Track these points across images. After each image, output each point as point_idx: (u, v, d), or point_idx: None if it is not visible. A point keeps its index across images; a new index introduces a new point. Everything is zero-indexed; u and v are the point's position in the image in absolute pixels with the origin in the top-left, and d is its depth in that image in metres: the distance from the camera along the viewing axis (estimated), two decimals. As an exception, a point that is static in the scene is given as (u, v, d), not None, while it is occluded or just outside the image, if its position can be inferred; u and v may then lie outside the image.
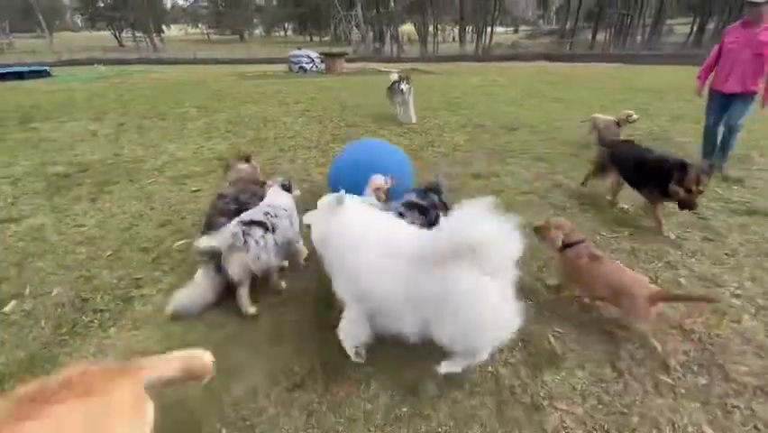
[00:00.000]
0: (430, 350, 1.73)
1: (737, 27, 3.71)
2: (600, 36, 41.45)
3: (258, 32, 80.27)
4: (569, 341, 1.81)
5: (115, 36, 55.47)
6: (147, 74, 17.45)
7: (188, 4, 70.92)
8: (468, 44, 40.07)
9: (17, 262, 2.49)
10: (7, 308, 2.06)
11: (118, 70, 20.22)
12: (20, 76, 15.90)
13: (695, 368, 1.66)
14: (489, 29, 38.77)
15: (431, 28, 43.48)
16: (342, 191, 1.65)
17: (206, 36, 73.18)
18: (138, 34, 53.71)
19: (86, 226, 2.95)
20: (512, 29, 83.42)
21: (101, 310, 2.05)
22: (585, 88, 10.83)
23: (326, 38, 66.25)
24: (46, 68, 17.74)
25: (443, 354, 1.67)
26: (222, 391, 1.57)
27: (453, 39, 43.34)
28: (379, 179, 2.39)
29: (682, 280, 2.25)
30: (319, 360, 1.72)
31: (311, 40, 68.36)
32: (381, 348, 1.76)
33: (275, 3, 71.10)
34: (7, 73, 15.69)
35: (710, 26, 36.54)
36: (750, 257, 2.48)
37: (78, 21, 70.37)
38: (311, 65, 18.55)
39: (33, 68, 17.49)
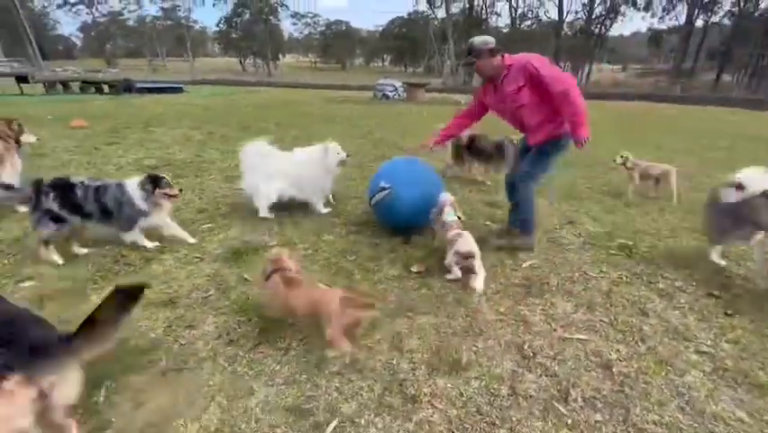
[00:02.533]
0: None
1: (485, 89, 2.89)
2: (728, 77, 36.68)
3: (358, 61, 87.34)
4: (480, 356, 1.87)
5: (240, 62, 65.02)
6: (254, 94, 20.26)
7: (303, 36, 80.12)
8: (563, 80, 38.55)
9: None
10: (74, 249, 2.78)
11: (234, 90, 23.89)
12: (162, 90, 19.73)
13: (599, 405, 1.61)
14: (586, 66, 36.89)
15: (523, 63, 42.95)
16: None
17: (313, 64, 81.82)
18: (258, 61, 62.36)
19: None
20: (619, 66, 77.95)
21: (130, 264, 2.67)
22: (673, 132, 9.83)
23: (419, 69, 69.39)
24: (181, 85, 21.75)
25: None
26: (177, 332, 1.99)
27: (547, 74, 42.01)
28: (446, 196, 2.77)
29: (646, 328, 2.11)
30: (260, 325, 2.05)
31: (405, 70, 72.15)
32: (306, 333, 2.04)
33: (377, 35, 76.92)
34: (154, 88, 19.62)
35: None
36: (754, 322, 2.20)
37: (216, 48, 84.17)
38: (394, 93, 19.71)
39: (172, 85, 21.60)
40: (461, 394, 1.66)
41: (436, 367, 1.79)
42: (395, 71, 69.86)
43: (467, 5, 40.96)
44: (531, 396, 1.65)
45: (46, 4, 59.75)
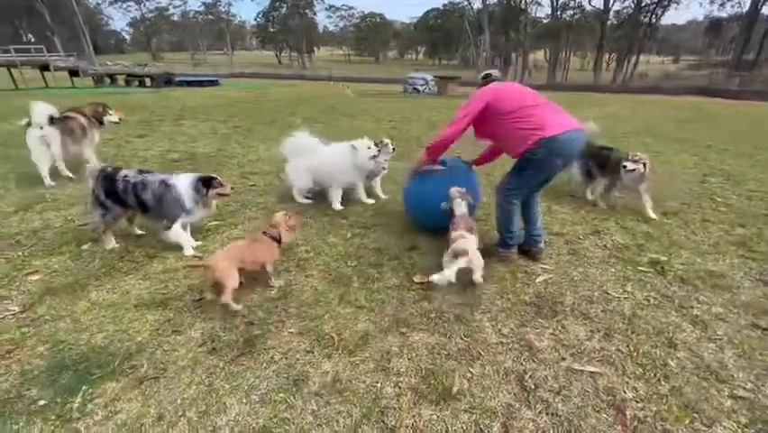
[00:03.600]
0: (330, 352, 1.85)
1: None
2: (796, 70, 33.15)
3: (392, 54, 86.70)
4: (475, 384, 1.69)
5: (276, 55, 66.31)
6: (287, 87, 20.55)
7: (338, 29, 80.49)
8: (607, 73, 36.31)
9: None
10: (85, 246, 2.85)
11: (268, 83, 24.36)
12: (200, 83, 20.43)
13: (604, 456, 1.40)
14: (633, 57, 34.48)
15: (563, 54, 40.79)
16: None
17: (347, 57, 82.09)
18: (293, 54, 63.35)
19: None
20: (671, 58, 72.66)
21: (133, 261, 2.69)
22: (723, 131, 8.95)
23: (454, 61, 67.83)
24: (217, 79, 22.44)
25: (327, 354, 1.78)
26: (163, 336, 1.95)
27: (593, 67, 39.64)
28: (456, 189, 2.70)
29: (672, 363, 1.84)
30: (245, 335, 1.97)
31: (440, 63, 70.83)
32: (291, 344, 1.94)
33: (412, 27, 75.92)
34: (192, 81, 20.35)
35: None
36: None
37: (254, 42, 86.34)
38: (424, 87, 19.37)
39: (209, 78, 22.32)
40: (447, 430, 1.50)
41: (423, 394, 1.64)
42: (428, 64, 68.79)
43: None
44: (520, 431, 1.47)
45: (100, 1, 63.53)
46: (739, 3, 34.20)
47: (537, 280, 2.52)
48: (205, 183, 2.73)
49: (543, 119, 2.39)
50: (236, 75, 33.07)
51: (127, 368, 1.76)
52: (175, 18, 69.22)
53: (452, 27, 58.35)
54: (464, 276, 2.23)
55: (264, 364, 1.80)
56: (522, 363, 1.83)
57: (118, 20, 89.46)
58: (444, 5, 61.87)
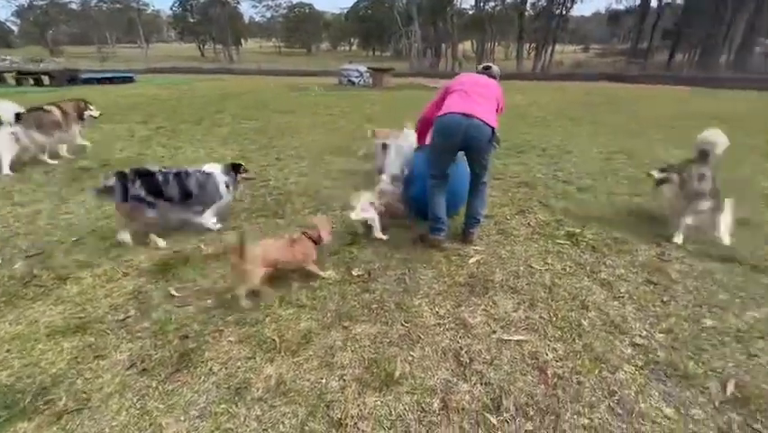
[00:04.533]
0: (273, 356, 1.83)
1: None
2: (680, 57, 38.08)
3: (324, 45, 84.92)
4: (415, 366, 1.79)
5: (199, 48, 61.72)
6: (212, 82, 19.27)
7: (265, 20, 76.90)
8: (527, 62, 38.95)
9: (5, 237, 2.98)
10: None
11: (191, 78, 22.64)
12: (110, 80, 18.39)
13: (531, 412, 1.56)
14: (549, 47, 37.36)
15: (488, 45, 43.02)
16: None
17: (278, 49, 78.86)
18: (218, 47, 59.44)
19: (73, 215, 3.43)
20: (581, 47, 79.59)
21: (41, 286, 2.40)
22: (626, 112, 10.11)
23: (387, 53, 68.28)
24: (131, 75, 20.36)
25: (270, 358, 1.77)
26: (83, 364, 1.79)
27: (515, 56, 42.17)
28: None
29: (585, 323, 2.09)
30: (181, 349, 1.88)
31: (374, 54, 70.84)
32: (231, 353, 1.89)
33: (343, 19, 74.84)
34: (102, 78, 18.25)
35: (816, 47, 32.03)
36: (687, 307, 2.24)
37: (172, 34, 79.46)
38: (359, 79, 19.28)
39: (122, 74, 20.18)
40: (391, 413, 1.56)
41: (367, 383, 1.69)
42: (362, 55, 68.51)
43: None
44: (463, 408, 1.59)
45: (-26, -13, 54.16)
46: (634, -4, 38.30)
47: (470, 262, 2.69)
48: (235, 168, 3.16)
49: (449, 102, 2.67)
50: (152, 70, 30.25)
51: (41, 404, 1.59)
52: (73, 6, 61.30)
53: (383, 18, 58.50)
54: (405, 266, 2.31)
55: (202, 378, 1.73)
56: (458, 341, 1.95)
57: (2, 8, 76.88)
58: (374, -5, 61.77)
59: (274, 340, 1.94)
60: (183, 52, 58.56)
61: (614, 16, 44.41)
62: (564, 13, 38.21)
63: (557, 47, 41.91)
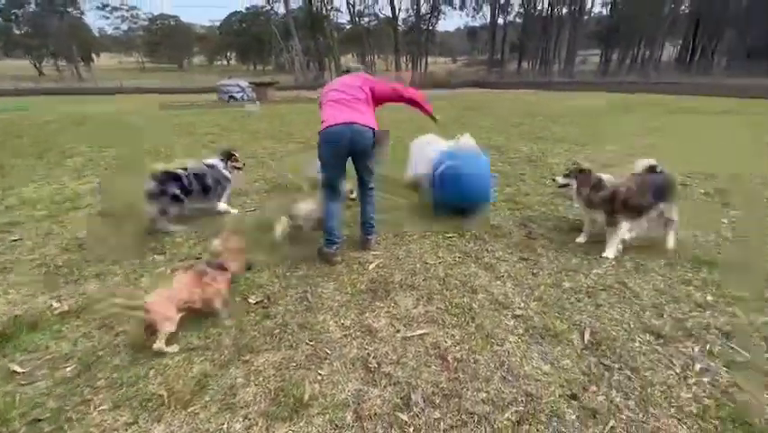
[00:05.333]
0: (161, 414, 1.60)
1: None
2: (526, 65, 45.31)
3: (198, 60, 78.60)
4: (325, 384, 1.75)
5: (35, 65, 51.40)
6: (59, 104, 16.21)
7: (121, 33, 67.93)
8: (407, 73, 41.95)
9: None
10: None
11: (29, 101, 18.62)
12: None
13: (437, 401, 1.66)
14: (423, 59, 40.92)
15: (368, 58, 45.20)
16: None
17: (142, 65, 70.28)
18: (61, 63, 50.43)
19: None
20: (450, 59, 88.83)
21: None
22: (491, 114, 11.60)
23: (269, 67, 66.41)
24: (-69, 101, 15.91)
25: (157, 417, 1.55)
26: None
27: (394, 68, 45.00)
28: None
29: (475, 306, 2.32)
30: (30, 439, 1.51)
31: (255, 68, 68.13)
32: (105, 424, 1.59)
33: (218, 32, 70.34)
34: None
35: (614, 56, 41.32)
36: (551, 275, 2.64)
37: (-8, 49, 64.56)
38: (241, 94, 18.33)
39: None
40: (303, 439, 1.50)
41: (275, 416, 1.59)
42: (242, 69, 65.37)
43: (307, 1, 40.66)
44: (375, 414, 1.60)
45: None
46: (483, 15, 44.51)
47: (370, 268, 2.76)
48: (227, 156, 3.74)
49: (328, 115, 2.73)
50: (-31, 93, 24.11)
51: None
52: None
53: (260, 32, 56.79)
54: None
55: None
56: (365, 348, 1.97)
57: None
58: (248, 9, 59.63)
59: (161, 395, 1.69)
60: (9, 70, 47.97)
61: (472, 32, 50.84)
62: (431, 28, 42.30)
63: (430, 59, 46.11)
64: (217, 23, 68.28)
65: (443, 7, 40.90)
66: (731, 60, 32.93)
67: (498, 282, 2.57)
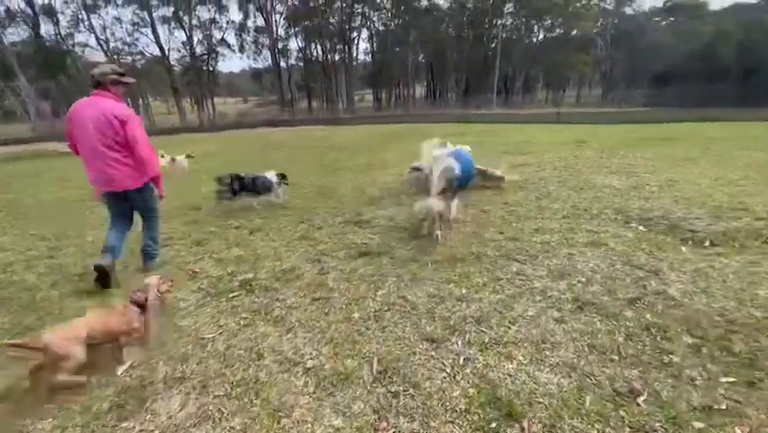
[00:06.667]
0: None
1: None
2: (315, 104, 48.85)
3: None
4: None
5: None
6: None
7: None
8: (192, 116, 38.44)
9: None
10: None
11: None
12: None
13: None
14: (209, 100, 38.57)
15: (142, 101, 39.43)
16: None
17: None
18: None
19: None
20: (241, 99, 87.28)
21: None
22: (286, 151, 11.74)
23: (-13, 115, 48.86)
24: None
25: None
26: None
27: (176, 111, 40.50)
28: None
29: (262, 375, 2.01)
30: None
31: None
32: None
33: None
34: None
35: (383, 95, 49.69)
36: (342, 309, 2.60)
37: None
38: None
39: None
40: None
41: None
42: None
43: (32, 33, 32.13)
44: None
45: None
46: (265, 57, 45.61)
47: (119, 374, 2.06)
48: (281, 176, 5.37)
49: (86, 170, 2.96)
50: None
51: None
52: None
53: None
54: None
55: None
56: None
57: None
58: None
59: None
60: None
61: (256, 74, 51.30)
62: (211, 69, 40.45)
63: (218, 99, 43.87)
64: None
65: (219, 49, 39.77)
66: (457, 95, 44.75)
67: (289, 335, 2.35)
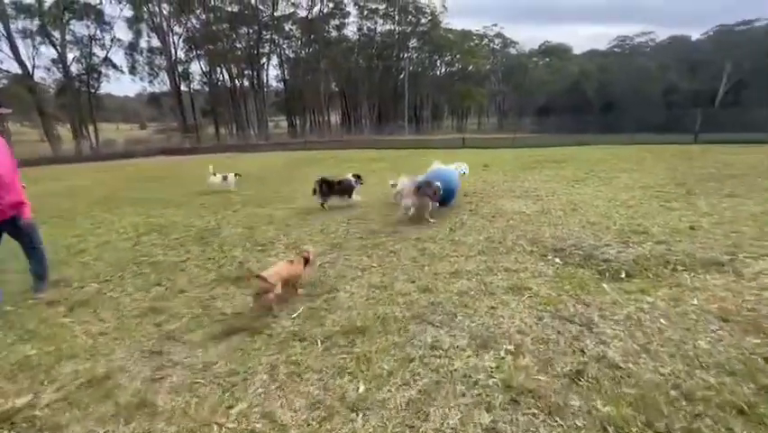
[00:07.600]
0: None
1: None
2: (224, 130, 45.66)
3: None
4: None
5: None
6: None
7: None
8: (73, 144, 32.74)
9: None
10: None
11: None
12: None
13: None
14: (90, 126, 33.43)
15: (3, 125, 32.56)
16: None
17: None
18: None
19: None
20: (137, 124, 78.68)
21: None
22: (169, 186, 10.05)
23: None
24: None
25: None
26: None
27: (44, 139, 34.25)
28: None
29: None
30: None
31: None
32: None
33: None
34: None
35: (298, 121, 48.67)
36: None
37: None
38: None
39: None
40: None
41: None
42: None
43: None
44: None
45: None
46: (162, 80, 41.30)
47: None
48: (356, 176, 6.30)
49: None
50: None
51: None
52: None
53: None
54: None
55: None
56: None
57: None
58: None
59: None
60: None
61: (154, 98, 46.42)
62: (93, 90, 35.37)
63: (110, 125, 38.30)
64: None
65: (103, 69, 34.95)
66: (371, 122, 45.75)
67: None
